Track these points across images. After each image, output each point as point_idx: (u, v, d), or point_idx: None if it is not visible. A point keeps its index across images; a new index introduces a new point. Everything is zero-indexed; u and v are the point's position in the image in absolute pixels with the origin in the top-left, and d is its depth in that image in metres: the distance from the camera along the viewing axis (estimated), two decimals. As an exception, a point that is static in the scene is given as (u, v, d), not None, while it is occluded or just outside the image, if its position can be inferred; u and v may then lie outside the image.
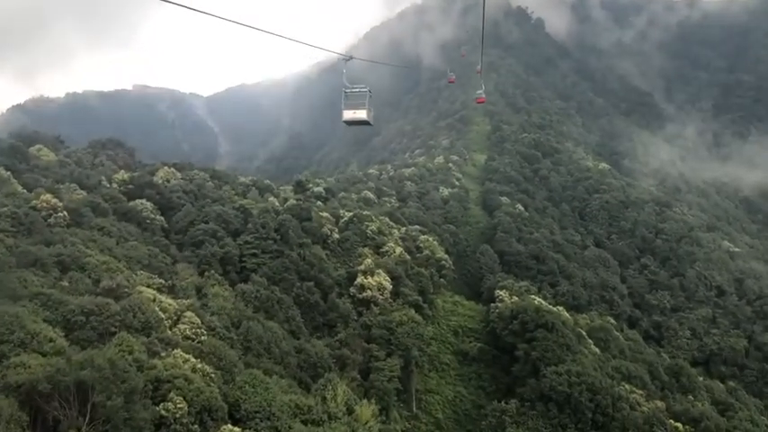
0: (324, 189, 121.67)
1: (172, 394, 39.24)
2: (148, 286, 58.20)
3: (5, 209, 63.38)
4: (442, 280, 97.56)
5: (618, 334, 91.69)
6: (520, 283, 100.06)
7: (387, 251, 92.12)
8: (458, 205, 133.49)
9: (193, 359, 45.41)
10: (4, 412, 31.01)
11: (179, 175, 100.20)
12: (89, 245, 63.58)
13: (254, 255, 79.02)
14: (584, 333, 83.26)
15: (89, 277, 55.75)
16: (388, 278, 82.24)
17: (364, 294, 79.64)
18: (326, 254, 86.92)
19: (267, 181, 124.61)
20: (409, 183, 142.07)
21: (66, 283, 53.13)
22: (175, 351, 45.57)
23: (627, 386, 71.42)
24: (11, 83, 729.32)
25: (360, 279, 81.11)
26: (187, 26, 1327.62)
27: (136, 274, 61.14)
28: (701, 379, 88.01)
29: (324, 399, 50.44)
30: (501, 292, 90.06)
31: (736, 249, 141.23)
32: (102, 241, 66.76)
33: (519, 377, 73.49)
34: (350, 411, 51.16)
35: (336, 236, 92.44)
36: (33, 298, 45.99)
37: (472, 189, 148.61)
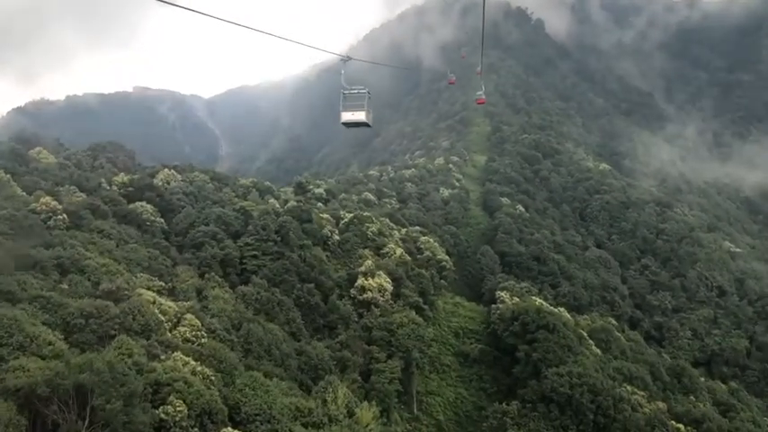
0: (324, 190, 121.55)
1: (171, 397, 39.15)
2: (148, 289, 58.11)
3: (5, 211, 63.23)
4: (442, 281, 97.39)
5: (619, 335, 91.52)
6: (521, 284, 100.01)
7: (387, 252, 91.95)
8: (458, 206, 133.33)
9: (193, 362, 45.30)
10: (2, 416, 30.87)
11: (179, 177, 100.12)
12: (89, 247, 63.48)
13: (255, 256, 78.81)
14: (585, 334, 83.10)
15: (89, 280, 55.65)
16: (388, 280, 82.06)
17: (365, 296, 79.46)
18: (327, 255, 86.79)
19: (267, 183, 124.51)
20: (410, 184, 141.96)
21: (65, 286, 53.05)
22: (175, 354, 45.49)
23: (628, 387, 71.34)
24: (12, 85, 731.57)
25: (360, 281, 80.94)
26: (187, 28, 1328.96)
27: (136, 277, 61.02)
28: (702, 380, 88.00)
29: (324, 401, 50.33)
30: (502, 294, 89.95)
31: (738, 250, 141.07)
32: (101, 244, 66.63)
33: (520, 378, 73.33)
34: (350, 414, 51.05)
35: (337, 237, 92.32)
36: (32, 301, 45.89)
37: (473, 190, 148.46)
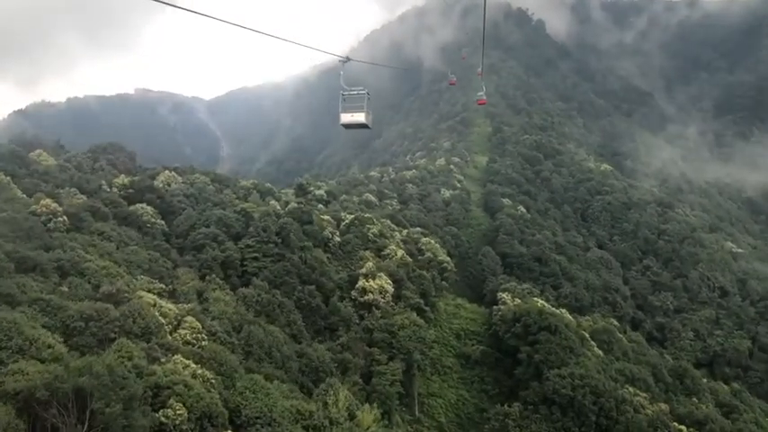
0: (325, 192, 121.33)
1: (171, 401, 39.03)
2: (149, 291, 58.01)
3: (5, 214, 63.07)
4: (443, 283, 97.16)
5: (621, 336, 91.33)
6: (522, 285, 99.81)
7: (388, 254, 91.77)
8: (459, 207, 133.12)
9: (194, 365, 45.17)
10: (1, 420, 30.73)
11: (180, 178, 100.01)
12: (89, 250, 63.35)
13: (256, 258, 78.71)
14: (587, 335, 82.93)
15: (89, 282, 55.52)
16: (389, 281, 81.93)
17: (366, 298, 79.35)
18: (328, 257, 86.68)
19: (268, 184, 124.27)
20: (410, 185, 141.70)
21: (65, 289, 52.90)
22: (175, 357, 45.38)
23: (630, 389, 71.18)
24: (13, 90, 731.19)
25: (361, 282, 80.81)
26: (188, 30, 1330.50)
27: (136, 279, 60.92)
28: (704, 381, 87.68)
29: (325, 404, 50.17)
30: (503, 295, 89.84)
31: (739, 250, 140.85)
32: (102, 246, 66.49)
33: (522, 380, 73.18)
34: (351, 416, 50.89)
35: (338, 239, 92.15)
36: (32, 303, 45.74)
37: (474, 191, 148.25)
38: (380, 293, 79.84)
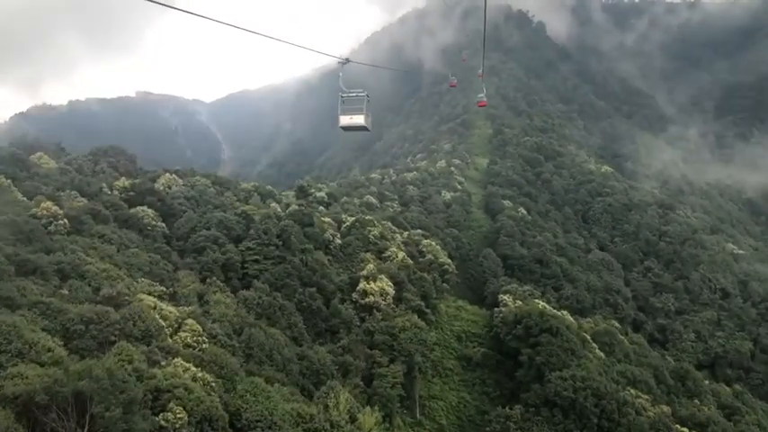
0: (326, 194, 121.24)
1: (172, 404, 38.84)
2: (149, 294, 57.82)
3: (5, 217, 62.98)
4: (444, 285, 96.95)
5: (622, 338, 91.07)
6: (523, 287, 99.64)
7: (389, 256, 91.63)
8: (460, 209, 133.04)
9: (194, 368, 44.99)
10: (1, 424, 30.58)
11: (180, 181, 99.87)
12: (89, 252, 63.21)
13: (256, 261, 78.57)
14: (588, 337, 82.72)
15: (89, 285, 55.39)
16: (390, 283, 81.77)
17: (367, 300, 79.18)
18: (329, 259, 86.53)
19: (269, 187, 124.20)
20: (411, 187, 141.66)
21: (65, 292, 52.76)
22: (176, 360, 45.17)
23: (632, 391, 70.96)
24: (14, 94, 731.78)
25: (362, 284, 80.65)
26: (190, 33, 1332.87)
27: (137, 282, 60.76)
28: (706, 382, 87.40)
29: (326, 407, 50.00)
30: (504, 297, 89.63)
31: (741, 251, 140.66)
32: (102, 249, 66.37)
33: (523, 382, 72.98)
34: (353, 419, 50.71)
35: (339, 241, 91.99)
36: (32, 307, 45.61)
37: (474, 193, 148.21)
38: (381, 296, 79.67)
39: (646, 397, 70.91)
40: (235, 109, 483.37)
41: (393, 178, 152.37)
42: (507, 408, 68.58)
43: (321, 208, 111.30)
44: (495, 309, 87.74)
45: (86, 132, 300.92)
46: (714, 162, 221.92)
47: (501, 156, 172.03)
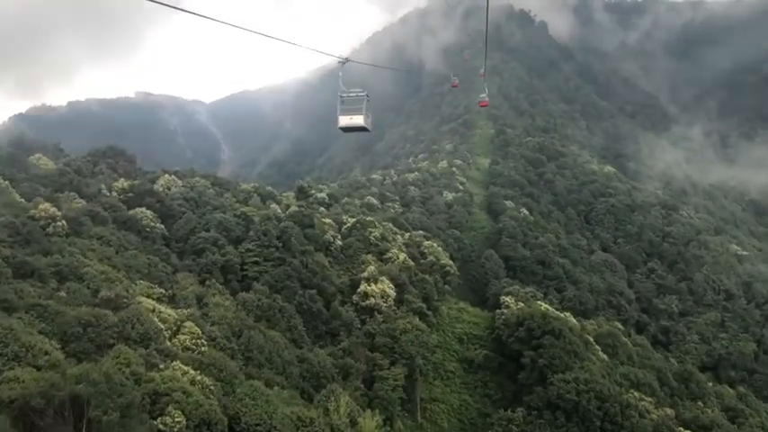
0: (326, 195, 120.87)
1: (170, 408, 38.49)
2: (148, 296, 57.53)
3: (3, 218, 62.65)
4: (446, 286, 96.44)
5: (626, 340, 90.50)
6: (526, 288, 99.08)
7: (390, 257, 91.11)
8: (462, 210, 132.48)
9: (192, 371, 44.61)
10: (-5, 430, 30.19)
11: (180, 182, 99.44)
12: (88, 254, 62.85)
13: (256, 263, 78.19)
14: (591, 339, 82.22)
15: (87, 288, 54.99)
16: (391, 285, 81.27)
17: (367, 302, 78.70)
18: (329, 261, 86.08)
19: (269, 187, 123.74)
20: (413, 188, 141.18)
21: (63, 294, 52.35)
22: (174, 363, 44.81)
23: (636, 393, 70.44)
24: (14, 96, 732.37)
25: (363, 286, 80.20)
26: (190, 33, 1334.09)
27: (135, 284, 60.41)
28: (710, 385, 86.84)
29: (326, 410, 49.60)
30: (507, 298, 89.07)
31: (744, 253, 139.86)
32: (101, 251, 66.00)
33: (526, 385, 72.49)
34: (353, 423, 50.32)
35: (339, 242, 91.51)
36: (29, 309, 45.20)
37: (476, 193, 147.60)
38: (382, 297, 79.18)
39: (649, 399, 70.38)
40: (235, 109, 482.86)
41: (394, 179, 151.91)
42: (509, 410, 68.14)
43: (321, 209, 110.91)
44: (497, 310, 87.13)
45: (86, 133, 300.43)
46: (718, 162, 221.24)
47: (503, 156, 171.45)
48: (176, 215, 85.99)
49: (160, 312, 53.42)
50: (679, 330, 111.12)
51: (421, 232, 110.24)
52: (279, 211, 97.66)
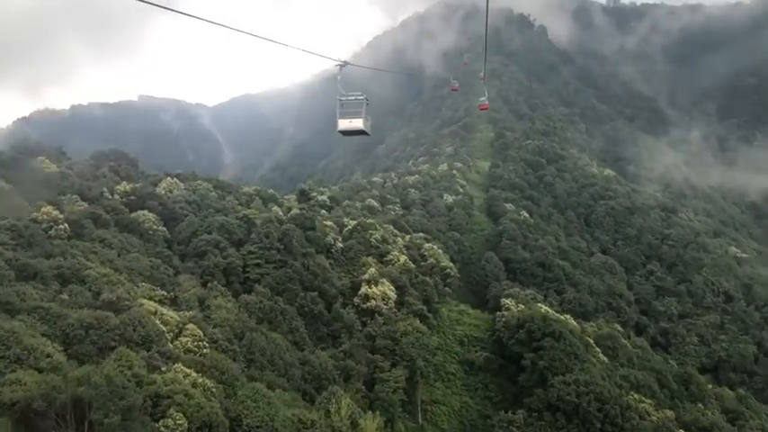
0: (328, 198, 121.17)
1: (172, 410, 38.67)
2: (150, 299, 57.73)
3: (6, 221, 62.93)
4: (446, 288, 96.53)
5: (625, 342, 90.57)
6: (526, 290, 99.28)
7: (391, 260, 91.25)
8: (462, 212, 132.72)
9: (194, 374, 44.79)
10: (-2, 431, 30.42)
11: (182, 185, 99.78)
12: (90, 257, 63.18)
13: (258, 265, 78.39)
14: (591, 341, 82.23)
15: (89, 290, 55.28)
16: (392, 287, 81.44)
17: (368, 304, 78.86)
18: (330, 263, 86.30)
19: (271, 190, 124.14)
20: (413, 190, 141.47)
21: (65, 297, 52.64)
22: (176, 365, 45.01)
23: (636, 395, 70.49)
24: (17, 99, 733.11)
25: (364, 288, 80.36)
26: (192, 36, 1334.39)
27: (137, 287, 60.65)
28: (710, 387, 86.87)
29: (328, 412, 49.66)
30: (507, 301, 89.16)
31: (744, 255, 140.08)
32: (103, 253, 66.31)
33: (526, 387, 72.55)
34: (354, 425, 50.37)
35: (340, 245, 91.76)
36: (32, 312, 45.48)
37: (476, 196, 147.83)
38: (383, 300, 79.36)
39: (649, 401, 70.40)
40: (237, 113, 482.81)
41: (395, 182, 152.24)
42: (510, 412, 68.16)
43: (323, 212, 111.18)
44: (498, 313, 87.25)
45: (89, 136, 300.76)
46: (717, 165, 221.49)
47: (503, 159, 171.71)
48: (178, 218, 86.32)
49: (162, 315, 53.64)
50: (678, 332, 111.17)
51: (421, 235, 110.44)
52: (280, 213, 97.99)
